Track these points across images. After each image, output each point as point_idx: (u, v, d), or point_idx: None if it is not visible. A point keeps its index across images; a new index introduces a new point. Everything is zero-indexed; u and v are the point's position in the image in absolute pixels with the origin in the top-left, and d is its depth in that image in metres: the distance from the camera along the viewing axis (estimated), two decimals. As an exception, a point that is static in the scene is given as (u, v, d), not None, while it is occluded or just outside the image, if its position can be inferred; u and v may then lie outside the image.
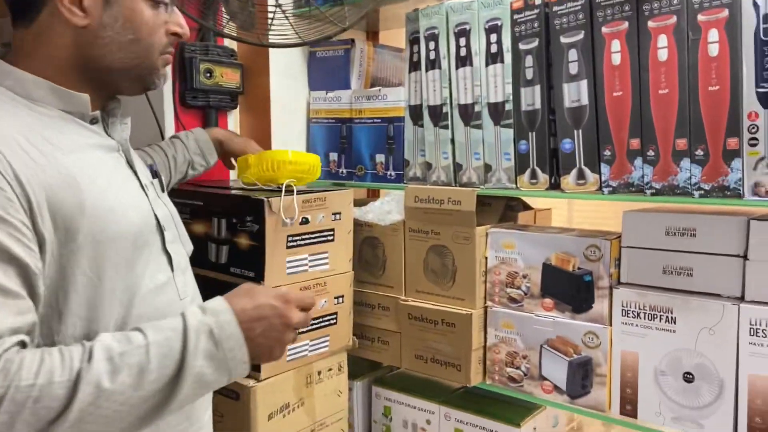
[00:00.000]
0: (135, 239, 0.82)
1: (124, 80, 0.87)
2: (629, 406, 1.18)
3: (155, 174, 0.97)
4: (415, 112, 1.46)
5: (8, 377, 0.65)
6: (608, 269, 1.20)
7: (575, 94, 1.19)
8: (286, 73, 1.65)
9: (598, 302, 1.21)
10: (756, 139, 1.00)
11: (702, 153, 1.05)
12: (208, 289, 0.97)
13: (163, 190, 0.97)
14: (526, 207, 1.54)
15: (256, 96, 1.63)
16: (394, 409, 1.58)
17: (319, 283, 1.38)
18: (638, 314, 1.16)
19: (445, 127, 1.40)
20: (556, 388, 1.28)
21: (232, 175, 1.57)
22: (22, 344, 0.70)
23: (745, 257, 1.06)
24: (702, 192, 1.06)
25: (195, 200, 1.34)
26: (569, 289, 1.25)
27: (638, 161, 1.12)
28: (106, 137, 0.87)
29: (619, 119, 1.14)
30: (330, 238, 1.35)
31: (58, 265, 0.74)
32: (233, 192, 1.33)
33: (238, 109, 1.65)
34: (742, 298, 1.06)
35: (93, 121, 0.86)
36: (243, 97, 1.64)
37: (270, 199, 1.23)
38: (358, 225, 1.47)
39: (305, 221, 1.29)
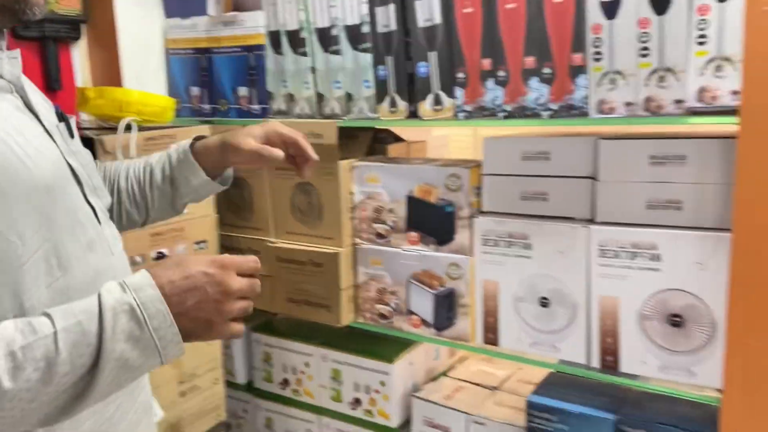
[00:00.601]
0: (49, 190, 0.71)
1: None
2: (491, 334, 1.17)
3: (61, 116, 0.83)
4: (275, 39, 1.35)
5: None
6: (468, 198, 1.16)
7: (428, 12, 1.11)
8: (137, -1, 1.49)
9: (460, 233, 1.18)
10: (600, 53, 0.95)
11: (549, 71, 1.00)
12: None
13: (72, 136, 0.83)
14: (398, 139, 1.48)
15: (103, 25, 1.47)
16: (275, 354, 1.53)
17: (175, 228, 1.29)
18: (497, 243, 1.13)
19: (304, 54, 1.30)
20: (424, 321, 1.25)
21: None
22: None
23: (594, 179, 1.03)
24: (551, 112, 1.01)
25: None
26: (432, 221, 1.21)
27: (490, 82, 1.07)
28: None
29: (470, 38, 1.07)
30: (181, 178, 1.25)
31: None
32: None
33: (85, 41, 1.49)
34: (592, 221, 1.04)
35: None
36: (88, 27, 1.48)
37: (102, 137, 1.11)
38: (218, 163, 1.37)
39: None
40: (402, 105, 1.19)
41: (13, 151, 0.68)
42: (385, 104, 1.22)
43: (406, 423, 1.38)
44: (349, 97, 1.26)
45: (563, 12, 0.97)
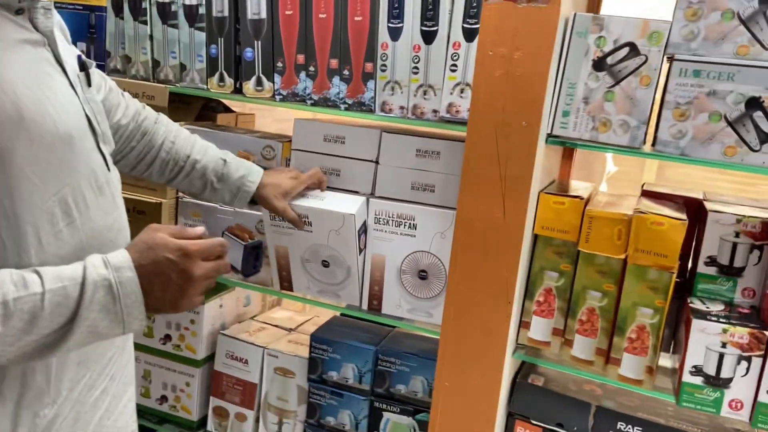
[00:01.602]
0: (70, 140, 0.79)
1: None
2: (286, 283, 1.41)
3: (83, 66, 0.89)
4: (117, 4, 1.47)
5: None
6: (279, 166, 1.39)
7: (256, 7, 1.31)
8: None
9: (270, 195, 1.41)
10: (385, 65, 1.23)
11: (348, 73, 1.26)
12: None
13: (89, 84, 0.90)
14: (228, 110, 1.67)
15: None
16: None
17: None
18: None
19: (144, 22, 1.44)
20: (234, 268, 1.47)
21: None
22: None
23: (377, 162, 1.31)
24: (346, 105, 1.27)
25: None
26: (247, 183, 1.42)
27: (303, 74, 1.30)
28: (32, 31, 0.80)
29: (289, 35, 1.29)
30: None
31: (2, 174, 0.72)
32: None
33: None
34: (372, 194, 1.32)
35: (18, 12, 0.78)
36: None
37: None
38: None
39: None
40: (229, 81, 1.39)
41: (43, 105, 0.77)
42: (215, 78, 1.40)
43: (211, 357, 1.60)
44: (183, 67, 1.43)
45: (361, 28, 1.22)
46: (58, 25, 0.90)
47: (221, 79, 1.40)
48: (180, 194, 1.49)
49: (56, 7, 1.54)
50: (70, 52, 0.89)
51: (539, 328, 1.20)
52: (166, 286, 0.78)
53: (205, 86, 1.42)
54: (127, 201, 1.54)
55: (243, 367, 1.54)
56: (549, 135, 1.10)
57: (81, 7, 1.51)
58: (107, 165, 0.90)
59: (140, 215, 1.47)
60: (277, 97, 1.34)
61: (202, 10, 1.38)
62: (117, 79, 1.43)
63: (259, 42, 1.33)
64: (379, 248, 1.31)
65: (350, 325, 1.48)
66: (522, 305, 1.21)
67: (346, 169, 1.34)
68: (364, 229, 1.30)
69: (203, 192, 1.23)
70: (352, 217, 1.24)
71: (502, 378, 1.16)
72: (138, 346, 1.62)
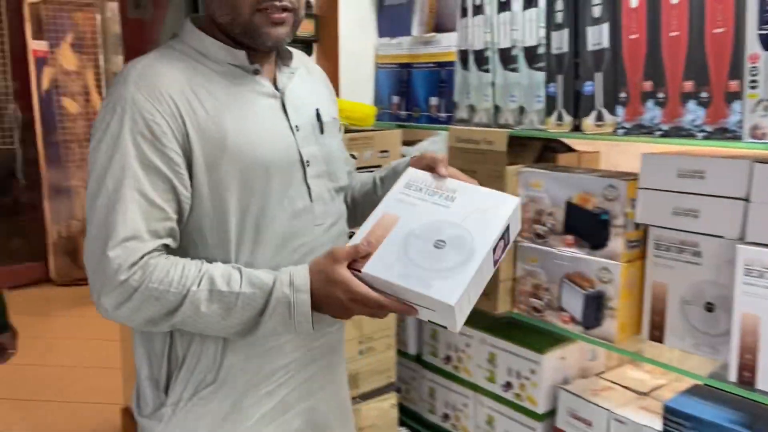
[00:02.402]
0: (268, 167, 0.97)
1: (238, 36, 0.98)
2: (657, 331, 1.23)
3: (318, 117, 1.08)
4: (464, 57, 1.55)
5: (144, 275, 0.88)
6: (624, 209, 1.25)
7: (597, 37, 1.22)
8: (357, 22, 1.79)
9: (613, 240, 1.27)
10: (756, 81, 0.99)
11: (706, 95, 1.06)
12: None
13: (322, 132, 1.08)
14: (570, 149, 1.58)
15: (329, 44, 1.80)
16: (441, 332, 1.73)
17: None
18: (668, 248, 1.20)
19: (487, 70, 1.48)
20: (573, 319, 1.36)
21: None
22: (167, 247, 0.93)
23: (746, 200, 1.06)
24: (705, 134, 1.07)
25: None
26: (588, 227, 1.31)
27: (650, 103, 1.15)
28: (266, 85, 1.02)
29: (634, 61, 1.16)
30: (376, 173, 1.50)
31: (209, 180, 0.94)
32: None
33: (314, 56, 1.83)
34: (741, 240, 1.08)
35: (255, 72, 1.01)
36: (318, 46, 1.82)
37: (317, 136, 1.40)
38: (406, 162, 1.61)
39: (352, 157, 1.46)
40: (567, 119, 1.32)
41: (249, 136, 0.96)
42: (553, 118, 1.35)
43: (552, 412, 1.50)
44: (521, 110, 1.42)
45: (722, 41, 1.02)
46: (321, 81, 1.17)
47: (559, 117, 1.33)
48: (518, 238, 1.46)
49: (414, 67, 1.72)
50: (305, 106, 1.06)
51: None
52: (331, 311, 0.94)
53: (543, 126, 1.38)
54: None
55: (586, 429, 1.40)
56: None
57: (433, 65, 1.64)
58: (310, 196, 1.03)
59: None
60: (620, 131, 1.21)
61: (541, 50, 1.35)
62: (459, 127, 1.50)
63: (601, 73, 1.23)
64: (751, 307, 1.05)
65: (714, 396, 1.22)
66: None
67: (707, 208, 1.12)
68: None
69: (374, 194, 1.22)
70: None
71: None
72: (480, 389, 1.63)
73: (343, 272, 0.90)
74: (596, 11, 1.22)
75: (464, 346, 1.67)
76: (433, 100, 1.66)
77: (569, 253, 1.35)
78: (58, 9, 4.16)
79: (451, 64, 1.59)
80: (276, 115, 1.02)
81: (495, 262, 0.95)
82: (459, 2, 1.54)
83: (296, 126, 1.03)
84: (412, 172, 1.03)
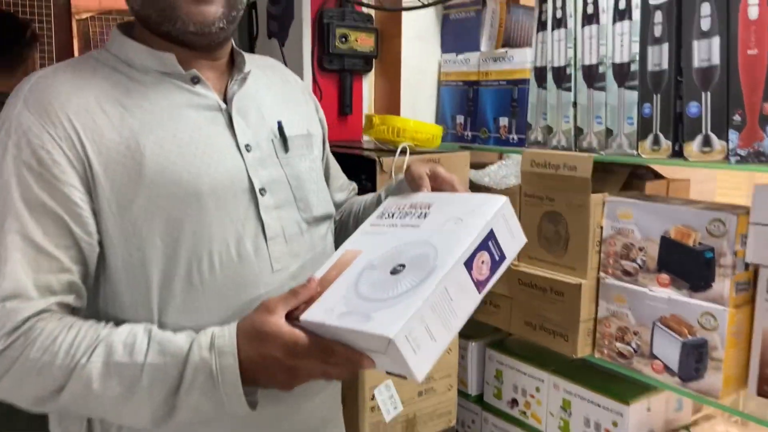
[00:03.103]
0: (201, 198, 0.77)
1: (155, 25, 0.79)
2: (767, 386, 1.08)
3: (281, 132, 0.88)
4: (540, 74, 1.42)
5: (26, 342, 0.70)
6: (733, 246, 1.09)
7: (706, 52, 1.08)
8: (419, 37, 1.68)
9: (719, 281, 1.12)
10: None
11: None
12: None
13: (286, 151, 0.88)
14: (658, 176, 1.44)
15: (389, 60, 1.69)
16: (505, 373, 1.59)
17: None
18: None
19: (568, 89, 1.35)
20: (667, 368, 1.20)
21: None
22: (67, 306, 0.74)
23: None
24: None
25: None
26: (688, 265, 1.16)
27: (772, 128, 1.00)
28: (207, 96, 0.82)
29: (752, 80, 1.02)
30: (442, 198, 1.38)
31: (121, 221, 0.75)
32: (353, 150, 1.41)
33: (373, 73, 1.73)
34: None
35: (195, 81, 0.82)
36: (378, 61, 1.71)
37: (382, 158, 1.29)
38: (474, 187, 1.48)
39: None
40: (665, 143, 1.17)
41: (170, 160, 0.76)
42: (647, 142, 1.20)
43: (638, 469, 1.34)
44: (609, 132, 1.28)
45: None
46: (298, 90, 0.98)
47: (656, 141, 1.19)
48: (602, 274, 1.31)
49: (482, 85, 1.60)
50: (259, 120, 0.87)
51: None
52: (271, 379, 0.73)
53: (635, 151, 1.23)
54: (543, 280, 1.47)
55: (676, 490, 1.24)
56: None
57: (505, 82, 1.51)
58: (264, 234, 0.82)
59: (558, 296, 1.35)
60: (732, 159, 1.06)
61: (634, 67, 1.21)
62: (535, 150, 1.36)
63: (708, 93, 1.09)
64: None
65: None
66: None
67: (841, 250, 0.97)
68: None
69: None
70: None
71: None
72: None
73: (275, 322, 0.70)
74: (705, 24, 1.08)
75: (534, 390, 1.52)
76: (503, 120, 1.53)
77: (665, 294, 1.20)
78: (105, 25, 4.19)
79: (524, 81, 1.47)
80: (217, 132, 0.81)
81: (479, 283, 0.72)
82: (536, 15, 1.42)
83: (246, 145, 0.82)
84: (389, 200, 0.88)
